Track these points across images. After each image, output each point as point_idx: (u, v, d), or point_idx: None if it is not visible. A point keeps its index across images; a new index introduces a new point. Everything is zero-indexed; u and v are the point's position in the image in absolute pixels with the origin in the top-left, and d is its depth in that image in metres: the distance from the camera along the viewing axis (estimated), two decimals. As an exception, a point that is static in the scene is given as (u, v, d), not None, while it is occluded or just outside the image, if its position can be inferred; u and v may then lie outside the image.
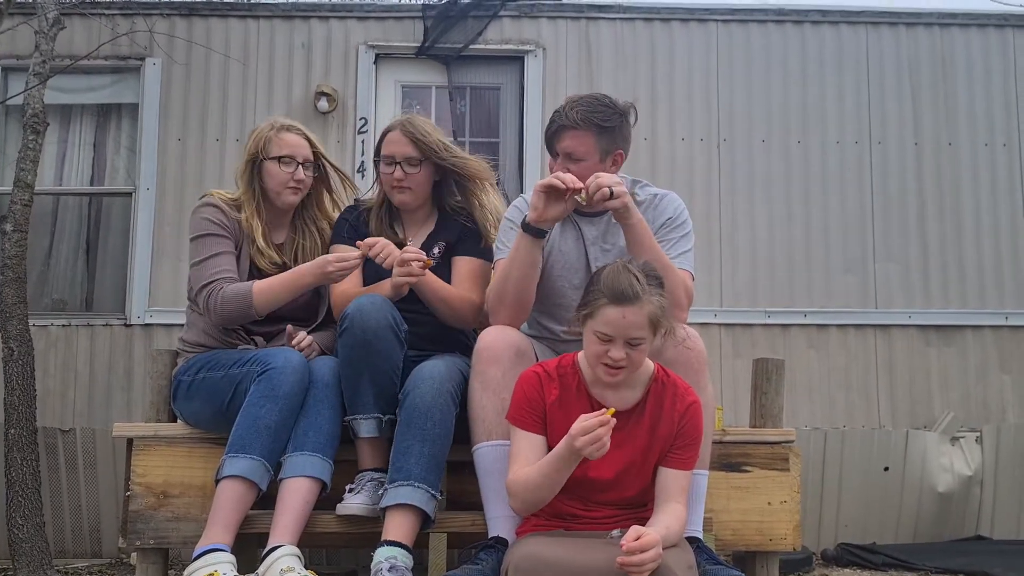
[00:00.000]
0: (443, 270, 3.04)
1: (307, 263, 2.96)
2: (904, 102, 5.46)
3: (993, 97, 5.48)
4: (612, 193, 2.56)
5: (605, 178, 2.58)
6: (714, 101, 5.43)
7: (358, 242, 2.87)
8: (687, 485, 2.45)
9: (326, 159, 3.22)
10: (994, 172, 5.43)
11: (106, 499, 5.00)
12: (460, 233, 3.09)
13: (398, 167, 3.02)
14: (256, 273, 3.06)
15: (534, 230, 2.65)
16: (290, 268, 3.05)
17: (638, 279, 2.34)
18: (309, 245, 3.18)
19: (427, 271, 2.85)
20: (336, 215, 3.24)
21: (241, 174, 3.15)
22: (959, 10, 5.58)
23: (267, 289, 2.92)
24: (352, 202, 3.27)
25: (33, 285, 5.09)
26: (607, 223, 2.84)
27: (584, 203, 2.60)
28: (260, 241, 3.06)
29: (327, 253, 3.07)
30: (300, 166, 3.09)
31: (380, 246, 2.81)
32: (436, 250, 3.07)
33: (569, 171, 2.68)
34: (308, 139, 3.16)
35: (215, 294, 2.91)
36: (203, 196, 3.17)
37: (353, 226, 3.12)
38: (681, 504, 2.40)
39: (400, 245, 2.94)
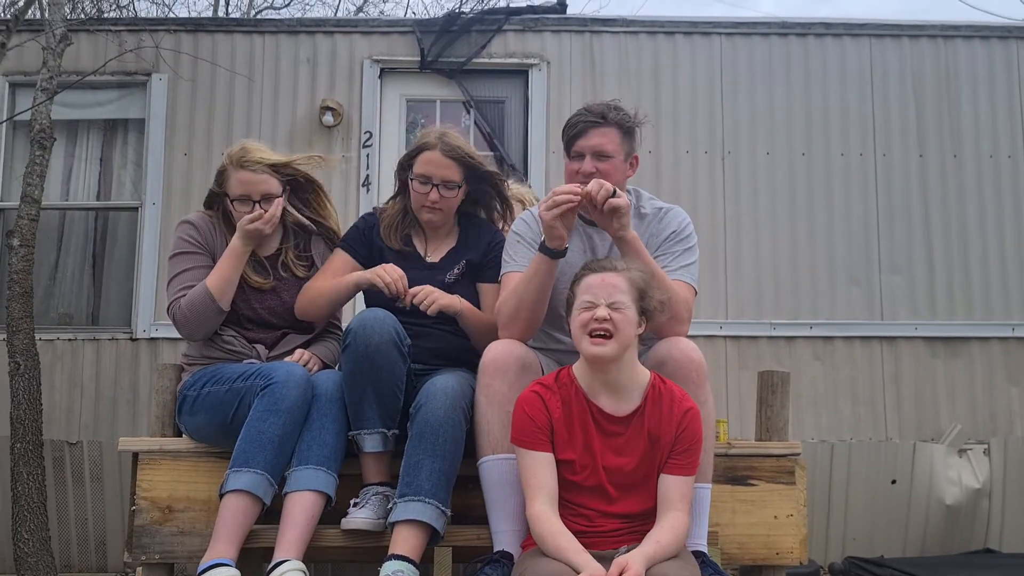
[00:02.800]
0: (463, 288, 3.00)
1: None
2: (908, 114, 5.46)
3: (997, 109, 5.48)
4: (616, 192, 2.59)
5: (609, 183, 2.61)
6: (718, 114, 5.43)
7: (410, 291, 2.82)
8: (688, 492, 2.45)
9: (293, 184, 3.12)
10: (999, 183, 5.42)
11: (112, 513, 5.00)
12: (486, 255, 3.04)
13: (434, 189, 2.94)
14: (247, 288, 3.04)
15: (553, 252, 2.64)
16: (283, 279, 3.07)
17: (619, 261, 2.52)
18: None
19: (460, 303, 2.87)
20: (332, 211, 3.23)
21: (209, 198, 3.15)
22: (963, 22, 5.59)
23: (218, 277, 2.93)
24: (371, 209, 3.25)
25: (39, 299, 5.11)
26: None
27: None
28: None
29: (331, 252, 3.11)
30: (256, 204, 2.99)
31: (424, 294, 2.81)
32: (457, 269, 3.02)
33: (597, 169, 2.72)
34: (272, 167, 3.02)
35: (179, 310, 2.95)
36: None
37: (365, 234, 3.08)
38: (682, 512, 2.40)
39: (418, 257, 3.00)
